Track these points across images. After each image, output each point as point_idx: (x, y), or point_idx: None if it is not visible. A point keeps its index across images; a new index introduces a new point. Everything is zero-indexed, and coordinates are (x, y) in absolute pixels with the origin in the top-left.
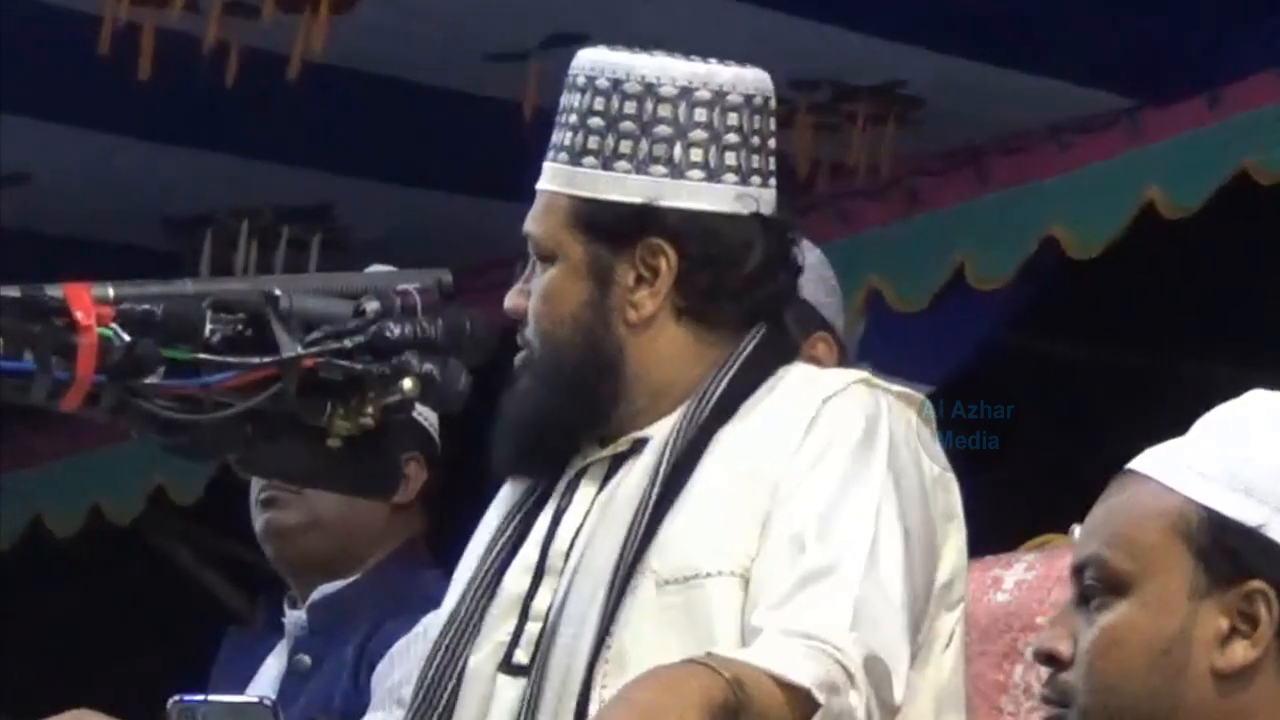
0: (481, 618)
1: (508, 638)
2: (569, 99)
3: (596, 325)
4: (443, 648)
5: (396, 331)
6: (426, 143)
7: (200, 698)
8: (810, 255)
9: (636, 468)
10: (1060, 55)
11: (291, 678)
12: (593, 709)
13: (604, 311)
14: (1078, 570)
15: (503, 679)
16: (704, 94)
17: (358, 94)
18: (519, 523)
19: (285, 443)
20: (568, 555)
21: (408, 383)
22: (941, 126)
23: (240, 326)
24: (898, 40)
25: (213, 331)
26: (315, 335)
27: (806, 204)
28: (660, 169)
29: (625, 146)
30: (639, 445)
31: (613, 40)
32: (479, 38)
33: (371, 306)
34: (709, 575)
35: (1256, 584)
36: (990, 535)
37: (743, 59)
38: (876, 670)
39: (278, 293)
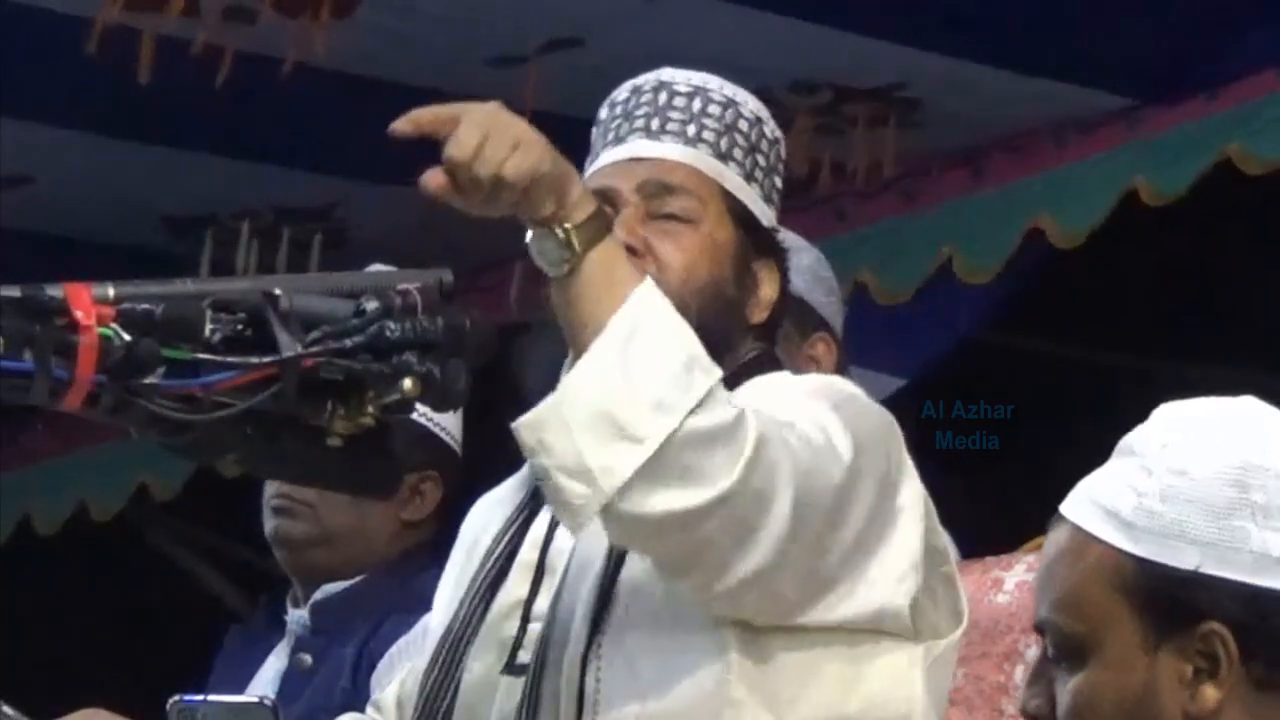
0: (480, 624)
1: (511, 641)
2: (668, 97)
3: (738, 305)
4: (440, 657)
5: (396, 331)
6: (427, 145)
7: (200, 698)
8: (809, 256)
9: None
10: (1060, 56)
11: (292, 676)
12: (590, 689)
13: (741, 296)
14: (1039, 630)
15: (506, 681)
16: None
17: (358, 97)
18: (516, 529)
19: (285, 443)
20: (565, 552)
21: (408, 383)
22: (941, 127)
23: (240, 326)
24: (897, 43)
25: (213, 331)
26: (315, 335)
27: (805, 204)
28: (772, 209)
29: (759, 174)
30: None
31: (613, 45)
32: (478, 42)
33: (371, 306)
34: None
35: (1209, 625)
36: (990, 535)
37: (743, 63)
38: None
39: (278, 292)
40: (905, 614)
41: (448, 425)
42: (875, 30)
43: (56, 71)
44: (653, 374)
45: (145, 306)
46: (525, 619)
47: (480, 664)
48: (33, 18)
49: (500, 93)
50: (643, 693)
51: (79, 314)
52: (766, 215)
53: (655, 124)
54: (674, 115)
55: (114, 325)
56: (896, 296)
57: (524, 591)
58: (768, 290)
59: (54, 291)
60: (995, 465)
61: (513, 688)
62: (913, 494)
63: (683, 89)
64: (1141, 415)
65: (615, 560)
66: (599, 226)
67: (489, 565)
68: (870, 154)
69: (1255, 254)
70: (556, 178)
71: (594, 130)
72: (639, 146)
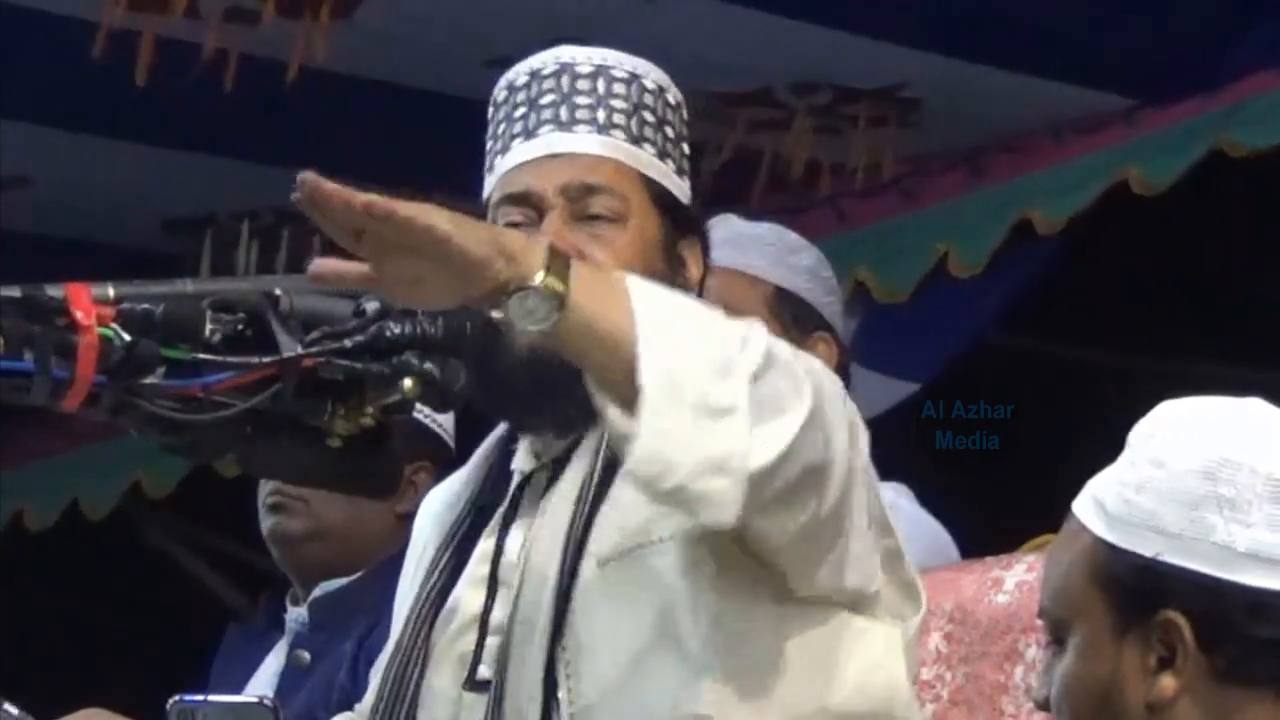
0: (427, 641)
1: (469, 656)
2: (571, 81)
3: None
4: (391, 677)
5: (396, 331)
6: (426, 147)
7: (200, 698)
8: (809, 256)
9: (574, 467)
10: (1060, 56)
11: (291, 673)
12: (561, 705)
13: (674, 284)
14: (1041, 617)
15: (469, 698)
16: (678, 101)
17: (358, 98)
18: (459, 542)
19: (285, 443)
20: (517, 564)
21: (408, 383)
22: (941, 128)
23: (240, 326)
24: (898, 43)
25: (213, 331)
26: (315, 335)
27: (805, 204)
28: (685, 180)
29: (670, 148)
30: (575, 445)
31: (613, 46)
32: (479, 43)
33: (371, 306)
34: (654, 543)
35: (1167, 615)
36: (990, 535)
37: (743, 63)
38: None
39: (278, 293)
40: (874, 589)
41: (438, 416)
42: (875, 30)
43: (57, 73)
44: (701, 347)
45: (145, 306)
46: (483, 633)
47: (439, 680)
48: (33, 19)
49: None
50: (612, 708)
51: (79, 314)
52: (682, 190)
53: (565, 113)
54: (581, 101)
55: (114, 325)
56: (895, 295)
57: (479, 604)
58: (694, 270)
59: (54, 291)
60: (995, 465)
61: (475, 704)
62: (865, 459)
63: (585, 69)
64: (1140, 415)
65: (569, 574)
66: (557, 254)
67: (433, 582)
68: (870, 154)
69: (1256, 254)
70: (507, 242)
71: (491, 112)
72: (553, 140)
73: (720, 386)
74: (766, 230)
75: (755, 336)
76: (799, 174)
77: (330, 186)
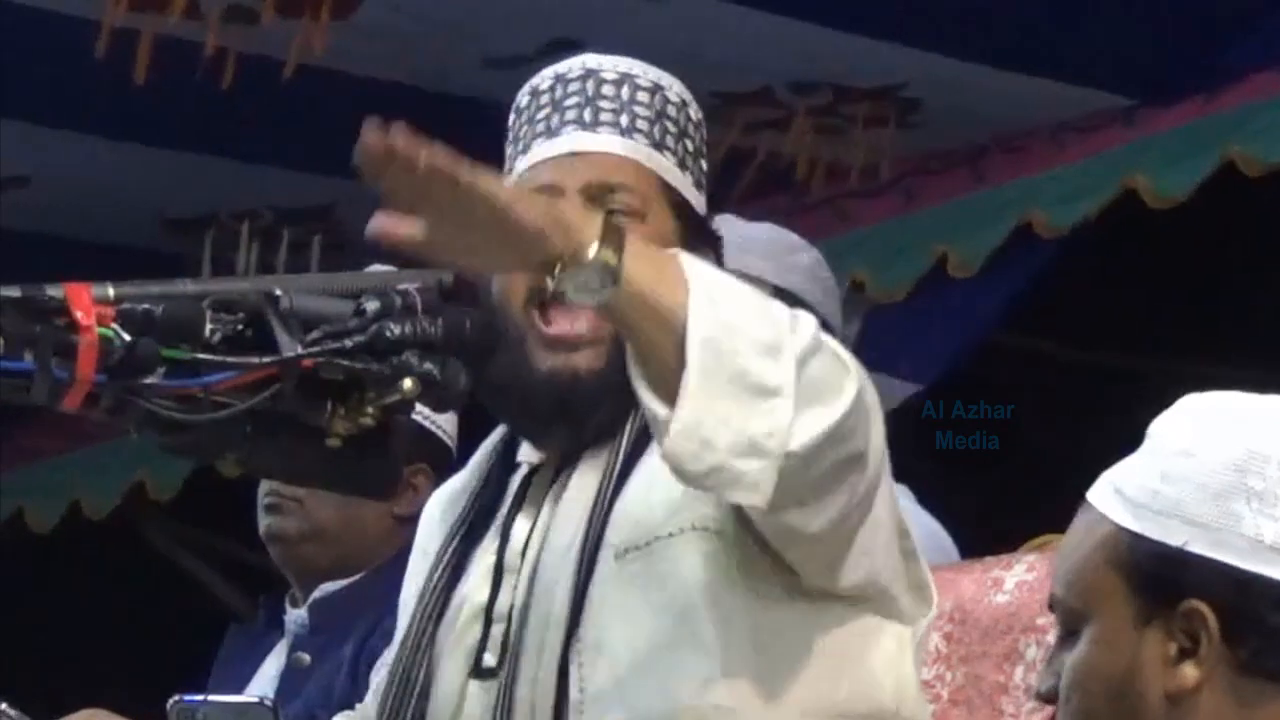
0: (434, 633)
1: (475, 644)
2: (596, 85)
3: None
4: (399, 671)
5: (396, 331)
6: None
7: (200, 698)
8: (808, 256)
9: (588, 460)
10: (1060, 56)
11: (291, 675)
12: (574, 696)
13: None
14: (1051, 608)
15: (473, 685)
16: (699, 118)
17: (358, 97)
18: (464, 536)
19: (285, 442)
20: (524, 554)
21: (408, 383)
22: (941, 128)
23: (240, 326)
24: (897, 43)
25: (213, 331)
26: (315, 335)
27: (805, 204)
28: (702, 194)
29: (689, 161)
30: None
31: (613, 46)
32: (478, 42)
33: (371, 306)
34: (670, 536)
35: (1192, 604)
36: (990, 535)
37: (743, 63)
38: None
39: (278, 292)
40: (891, 585)
41: (439, 419)
42: (875, 30)
43: (57, 73)
44: (752, 325)
45: (145, 306)
46: (488, 621)
47: (447, 671)
48: (33, 19)
49: (500, 93)
50: (626, 700)
51: (79, 314)
52: (699, 202)
53: (589, 115)
54: (605, 105)
55: (114, 325)
56: (892, 295)
57: (484, 593)
58: None
59: (54, 291)
60: (995, 465)
61: (480, 692)
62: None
63: (610, 76)
64: (1141, 415)
65: (591, 553)
66: (611, 228)
67: (439, 574)
68: (869, 154)
69: (1256, 255)
70: (562, 214)
71: (513, 117)
72: (576, 140)
73: (768, 366)
74: (765, 230)
75: (805, 320)
76: (798, 174)
77: (397, 145)
